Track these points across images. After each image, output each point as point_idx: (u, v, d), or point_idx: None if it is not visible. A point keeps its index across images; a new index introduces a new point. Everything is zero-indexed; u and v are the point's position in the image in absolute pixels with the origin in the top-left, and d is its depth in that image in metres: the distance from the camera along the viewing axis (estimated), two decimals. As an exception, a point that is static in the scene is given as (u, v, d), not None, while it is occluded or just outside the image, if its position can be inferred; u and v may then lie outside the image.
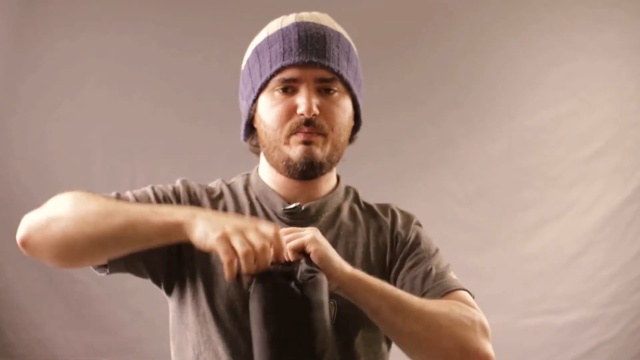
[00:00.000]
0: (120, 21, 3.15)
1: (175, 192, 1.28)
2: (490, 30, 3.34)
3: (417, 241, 1.32)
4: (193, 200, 1.28)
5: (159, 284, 1.28)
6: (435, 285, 1.25)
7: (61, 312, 3.01)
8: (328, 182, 1.33)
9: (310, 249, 1.10)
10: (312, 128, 1.22)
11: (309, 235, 1.11)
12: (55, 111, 3.11)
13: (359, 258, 1.28)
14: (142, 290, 3.09)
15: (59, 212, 1.13)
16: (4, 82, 3.10)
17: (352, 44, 1.32)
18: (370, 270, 1.23)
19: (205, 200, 1.30)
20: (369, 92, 3.64)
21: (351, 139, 1.34)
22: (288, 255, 1.09)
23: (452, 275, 1.29)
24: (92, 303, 3.02)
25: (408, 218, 1.36)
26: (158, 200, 1.25)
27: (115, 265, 1.19)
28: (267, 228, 1.04)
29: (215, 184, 1.35)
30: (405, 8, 3.29)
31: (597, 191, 3.29)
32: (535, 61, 3.33)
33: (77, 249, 1.11)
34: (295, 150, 1.23)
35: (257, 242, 1.01)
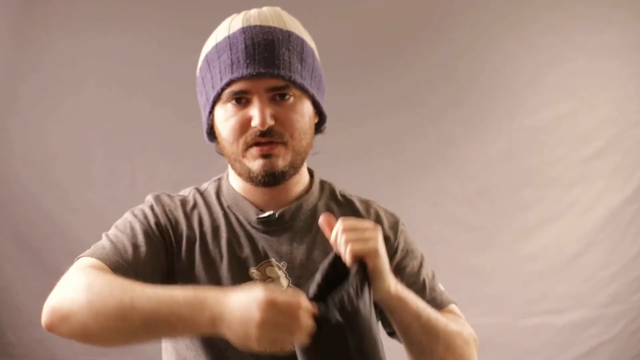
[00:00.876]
0: (120, 21, 3.15)
1: (155, 214, 1.26)
2: (490, 30, 3.33)
3: (405, 248, 1.32)
4: (169, 218, 1.26)
5: None
6: (430, 299, 1.28)
7: (61, 312, 3.00)
8: (299, 182, 1.30)
9: (369, 263, 1.06)
10: (269, 138, 1.19)
11: (372, 244, 1.07)
12: (55, 111, 3.11)
13: None
14: (142, 290, 3.10)
15: (77, 305, 1.07)
16: (4, 82, 3.10)
17: (306, 39, 1.25)
18: None
19: (179, 213, 1.28)
20: (369, 92, 3.64)
21: (319, 131, 1.30)
22: (344, 257, 1.07)
23: (440, 286, 1.34)
24: (92, 303, 3.01)
25: (393, 219, 1.35)
26: (146, 234, 1.22)
27: None
28: (288, 303, 0.95)
29: (189, 193, 1.33)
30: (405, 8, 3.29)
31: (597, 191, 3.29)
32: (535, 61, 3.32)
33: (99, 341, 1.11)
34: (254, 164, 1.21)
35: (290, 328, 0.95)
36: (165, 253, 1.24)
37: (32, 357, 3.03)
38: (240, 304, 0.96)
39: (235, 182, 1.30)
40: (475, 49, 3.32)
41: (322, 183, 1.36)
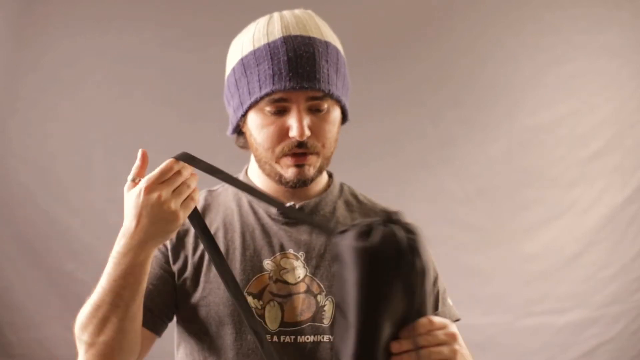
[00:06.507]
0: (120, 21, 3.15)
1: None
2: (490, 30, 3.34)
3: None
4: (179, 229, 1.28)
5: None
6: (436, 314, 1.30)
7: (61, 312, 3.00)
8: (319, 182, 1.34)
9: None
10: (304, 149, 1.22)
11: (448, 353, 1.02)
12: (55, 111, 3.11)
13: None
14: (142, 290, 3.10)
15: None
16: (4, 82, 3.10)
17: (339, 47, 1.28)
18: None
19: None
20: (369, 92, 3.63)
21: None
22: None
23: (449, 301, 1.36)
24: (92, 303, 3.01)
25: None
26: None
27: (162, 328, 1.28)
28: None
29: (200, 196, 1.35)
30: (405, 8, 3.29)
31: (597, 191, 3.29)
32: (535, 61, 3.33)
33: (118, 346, 1.18)
34: (287, 171, 1.24)
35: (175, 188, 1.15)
36: (167, 263, 1.29)
37: (32, 357, 3.03)
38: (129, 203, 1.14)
39: (257, 179, 1.33)
40: (475, 49, 3.33)
41: (342, 185, 1.40)
